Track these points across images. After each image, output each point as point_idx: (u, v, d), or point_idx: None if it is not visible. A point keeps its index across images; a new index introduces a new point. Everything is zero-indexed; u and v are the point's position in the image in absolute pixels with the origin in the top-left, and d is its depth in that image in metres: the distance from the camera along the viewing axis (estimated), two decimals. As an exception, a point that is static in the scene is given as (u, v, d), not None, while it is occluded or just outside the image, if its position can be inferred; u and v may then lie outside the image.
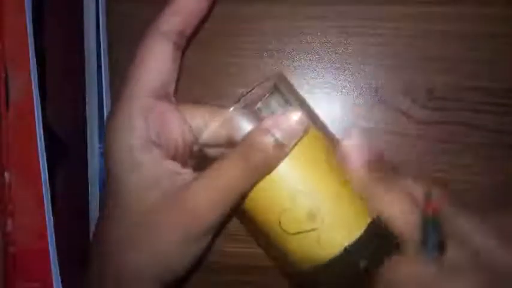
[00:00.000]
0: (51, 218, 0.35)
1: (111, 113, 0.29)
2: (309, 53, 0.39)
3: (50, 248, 0.35)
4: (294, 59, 0.39)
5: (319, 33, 0.39)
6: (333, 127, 0.38)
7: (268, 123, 0.28)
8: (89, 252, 0.30)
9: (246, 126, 0.28)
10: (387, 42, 0.38)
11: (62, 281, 0.35)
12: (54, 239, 0.35)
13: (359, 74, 0.38)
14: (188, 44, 0.32)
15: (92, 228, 0.38)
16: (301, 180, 0.28)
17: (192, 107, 0.31)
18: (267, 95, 0.29)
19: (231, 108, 0.28)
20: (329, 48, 0.39)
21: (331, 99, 0.39)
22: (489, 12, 0.37)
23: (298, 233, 0.28)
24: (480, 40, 0.38)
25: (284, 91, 0.30)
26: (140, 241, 0.28)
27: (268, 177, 0.28)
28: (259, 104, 0.29)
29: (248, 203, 0.29)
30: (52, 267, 0.34)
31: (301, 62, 0.39)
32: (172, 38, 0.29)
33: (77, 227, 0.38)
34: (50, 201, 0.35)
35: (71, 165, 0.38)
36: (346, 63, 0.39)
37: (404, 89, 0.38)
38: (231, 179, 0.27)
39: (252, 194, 0.29)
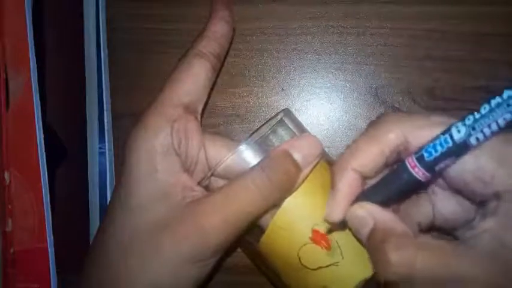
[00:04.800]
0: (51, 218, 0.35)
1: (142, 115, 0.29)
2: (309, 53, 0.39)
3: (49, 248, 0.35)
4: (294, 59, 0.39)
5: (319, 33, 0.39)
6: (333, 127, 0.38)
7: (287, 144, 0.28)
8: (89, 253, 0.30)
9: (257, 160, 0.28)
10: (387, 42, 0.38)
11: (60, 282, 0.35)
12: (53, 239, 0.35)
13: (359, 74, 0.38)
14: (221, 68, 0.34)
15: (92, 228, 0.38)
16: (318, 212, 0.28)
17: (212, 137, 0.32)
18: (274, 123, 0.30)
19: (242, 144, 0.28)
20: (329, 48, 0.39)
21: (331, 99, 0.39)
22: (489, 12, 0.37)
23: (319, 268, 0.28)
24: (480, 40, 0.38)
25: (291, 123, 0.30)
26: (141, 257, 0.27)
27: (285, 211, 0.28)
28: (268, 131, 0.29)
29: (264, 241, 0.29)
30: (50, 267, 0.34)
31: (301, 62, 0.39)
32: (211, 60, 0.31)
33: (77, 227, 0.38)
34: (49, 202, 0.35)
35: (71, 166, 0.38)
36: (346, 63, 0.39)
37: (404, 89, 0.38)
38: (248, 199, 0.27)
39: (268, 230, 0.28)
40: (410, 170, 0.25)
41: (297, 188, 0.28)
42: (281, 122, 0.30)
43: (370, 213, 0.26)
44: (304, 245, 0.28)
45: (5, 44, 0.35)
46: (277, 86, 0.39)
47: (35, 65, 0.35)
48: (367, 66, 0.38)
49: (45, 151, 0.35)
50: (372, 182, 0.27)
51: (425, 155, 0.24)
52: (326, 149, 0.35)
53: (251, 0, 0.39)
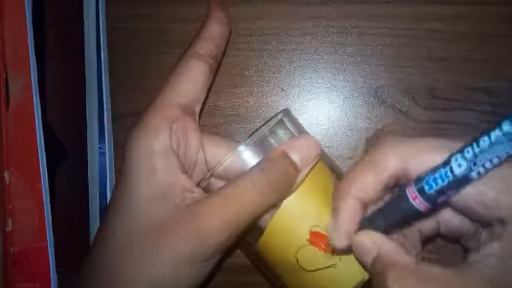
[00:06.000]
0: (51, 218, 0.35)
1: (141, 115, 0.30)
2: (309, 53, 0.39)
3: (49, 248, 0.35)
4: (293, 59, 0.39)
5: (319, 33, 0.39)
6: (333, 127, 0.38)
7: (286, 145, 0.28)
8: (88, 253, 0.30)
9: (256, 161, 0.28)
10: (387, 42, 0.38)
11: (60, 281, 0.35)
12: (53, 239, 0.35)
13: (359, 74, 0.38)
14: (218, 69, 0.34)
15: (92, 228, 0.38)
16: (317, 213, 0.28)
17: (211, 138, 0.32)
18: (274, 124, 0.30)
19: (241, 145, 0.28)
20: (329, 48, 0.39)
21: (331, 99, 0.39)
22: (490, 12, 0.37)
23: (317, 269, 0.28)
24: (480, 40, 0.37)
25: (290, 124, 0.30)
26: (141, 257, 0.27)
27: (283, 212, 0.28)
28: (267, 132, 0.29)
29: (262, 242, 0.29)
30: (50, 267, 0.35)
31: (301, 62, 0.39)
32: (208, 61, 0.31)
33: (77, 227, 0.38)
34: (49, 202, 0.35)
35: (71, 166, 0.38)
36: (346, 63, 0.38)
37: (404, 89, 0.38)
38: (247, 200, 0.27)
39: (267, 230, 0.28)
40: (412, 201, 0.24)
41: (296, 189, 0.28)
42: (280, 123, 0.30)
43: (374, 242, 0.26)
44: (302, 246, 0.28)
45: (5, 44, 0.35)
46: (277, 86, 0.39)
47: (35, 65, 0.35)
48: (367, 66, 0.38)
49: (45, 151, 0.35)
50: (373, 206, 0.27)
51: (426, 187, 0.24)
52: (326, 149, 0.35)
53: (251, 0, 0.39)
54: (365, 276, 0.28)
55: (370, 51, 0.38)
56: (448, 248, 0.34)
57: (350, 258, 0.28)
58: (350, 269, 0.28)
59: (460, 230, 0.29)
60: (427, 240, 0.31)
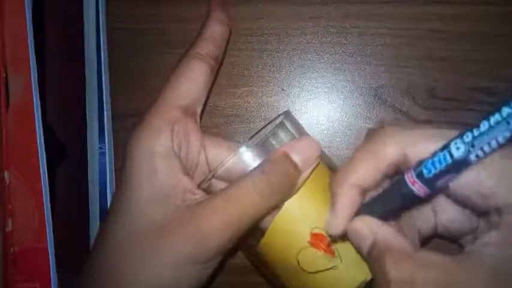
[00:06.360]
0: (51, 218, 0.35)
1: (143, 116, 0.30)
2: (309, 53, 0.39)
3: (49, 248, 0.35)
4: (293, 59, 0.39)
5: (319, 33, 0.39)
6: (333, 127, 0.38)
7: (287, 146, 0.28)
8: (89, 254, 0.30)
9: (257, 162, 0.28)
10: (387, 42, 0.38)
11: (60, 282, 0.35)
12: (53, 239, 0.35)
13: (359, 74, 0.38)
14: (219, 69, 0.34)
15: (92, 228, 0.38)
16: (317, 215, 0.28)
17: (213, 139, 0.32)
18: (275, 126, 0.30)
19: (243, 147, 0.28)
20: (329, 48, 0.39)
21: (331, 99, 0.39)
22: (490, 12, 0.37)
23: (318, 271, 0.28)
24: (480, 40, 0.37)
25: (291, 126, 0.30)
26: (141, 258, 0.27)
27: (284, 214, 0.28)
28: (268, 134, 0.29)
29: (263, 243, 0.29)
30: (51, 267, 0.35)
31: (301, 62, 0.39)
32: (209, 61, 0.31)
33: (77, 227, 0.38)
34: (49, 202, 0.35)
35: (71, 165, 0.38)
36: (346, 63, 0.38)
37: (404, 89, 0.38)
38: (249, 201, 0.27)
39: (268, 232, 0.28)
40: (410, 186, 0.24)
41: (297, 191, 0.28)
42: (281, 125, 0.30)
43: (370, 228, 0.26)
44: (303, 248, 0.28)
45: (5, 44, 0.35)
46: (277, 86, 0.39)
47: (35, 65, 0.35)
48: (367, 66, 0.38)
49: (45, 151, 0.35)
50: (372, 193, 0.27)
51: (425, 171, 0.24)
52: (326, 149, 0.35)
53: (251, 0, 0.39)
54: (367, 277, 0.28)
55: (370, 51, 0.38)
56: (444, 247, 0.34)
57: (351, 259, 0.28)
58: (351, 271, 0.28)
59: (458, 230, 0.29)
60: (425, 240, 0.31)
